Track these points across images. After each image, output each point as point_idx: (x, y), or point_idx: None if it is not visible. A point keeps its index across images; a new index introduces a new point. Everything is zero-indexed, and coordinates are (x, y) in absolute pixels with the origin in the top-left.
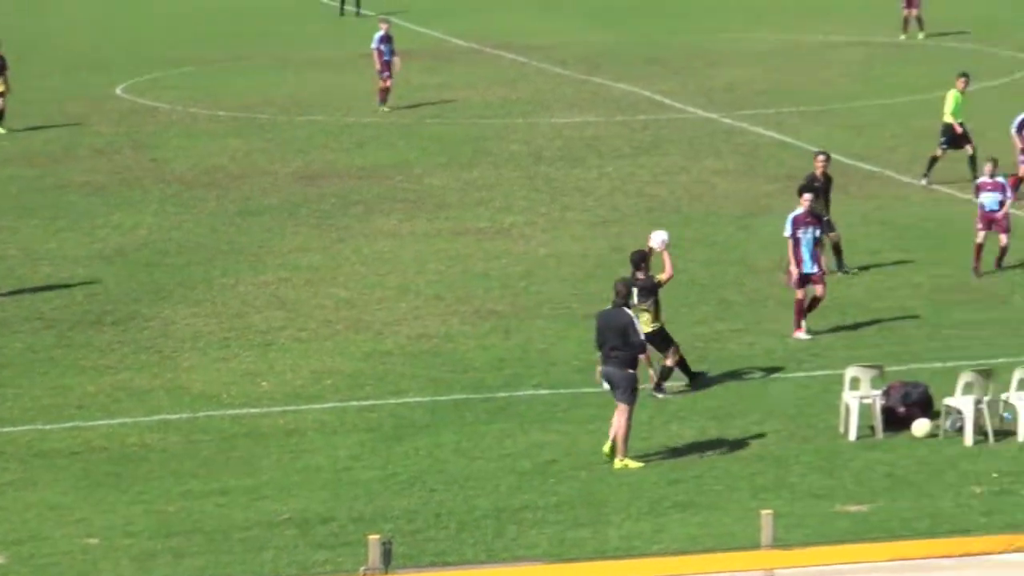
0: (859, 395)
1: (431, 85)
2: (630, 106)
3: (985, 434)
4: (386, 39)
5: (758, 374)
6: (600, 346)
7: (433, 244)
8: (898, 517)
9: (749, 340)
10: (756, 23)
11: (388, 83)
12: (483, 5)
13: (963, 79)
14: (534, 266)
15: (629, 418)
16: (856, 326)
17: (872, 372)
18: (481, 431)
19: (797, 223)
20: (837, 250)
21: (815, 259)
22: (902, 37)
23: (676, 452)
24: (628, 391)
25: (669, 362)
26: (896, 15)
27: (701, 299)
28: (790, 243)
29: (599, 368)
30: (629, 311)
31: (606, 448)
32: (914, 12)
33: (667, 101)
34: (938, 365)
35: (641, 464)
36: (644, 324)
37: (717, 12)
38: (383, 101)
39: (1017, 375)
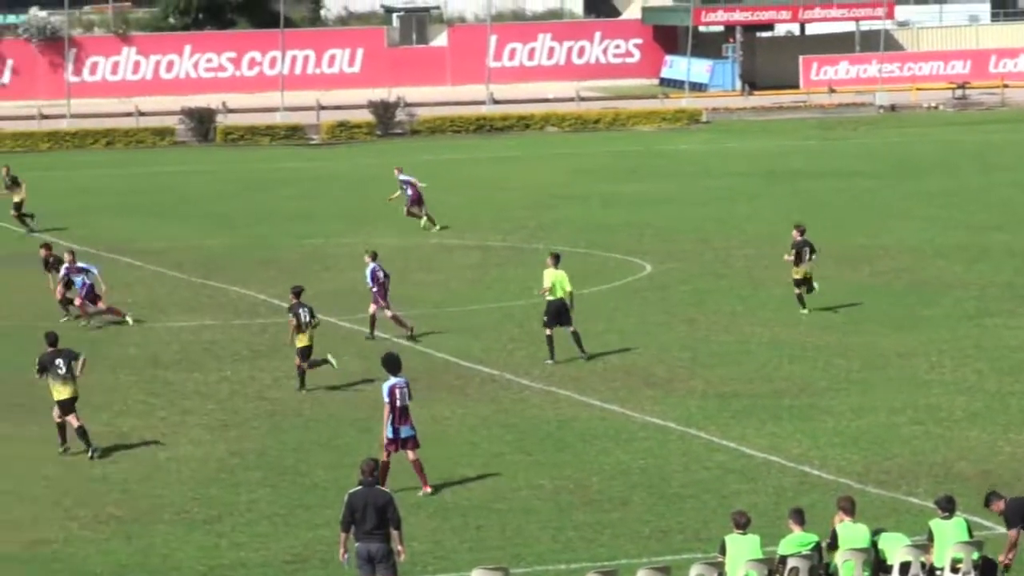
0: None
1: None
2: (247, 309)
3: None
4: None
5: None
6: (352, 525)
7: (48, 450)
8: None
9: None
10: (374, 228)
11: None
12: (95, 209)
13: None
14: (153, 470)
15: None
16: (479, 527)
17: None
18: None
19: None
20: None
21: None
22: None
23: None
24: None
25: None
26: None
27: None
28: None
29: (354, 545)
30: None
31: None
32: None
33: (283, 304)
34: (562, 567)
35: None
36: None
37: (333, 218)
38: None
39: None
